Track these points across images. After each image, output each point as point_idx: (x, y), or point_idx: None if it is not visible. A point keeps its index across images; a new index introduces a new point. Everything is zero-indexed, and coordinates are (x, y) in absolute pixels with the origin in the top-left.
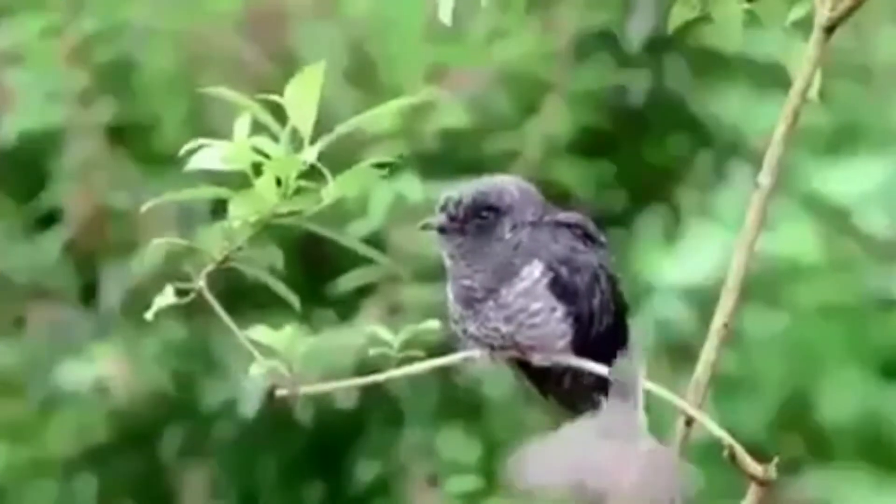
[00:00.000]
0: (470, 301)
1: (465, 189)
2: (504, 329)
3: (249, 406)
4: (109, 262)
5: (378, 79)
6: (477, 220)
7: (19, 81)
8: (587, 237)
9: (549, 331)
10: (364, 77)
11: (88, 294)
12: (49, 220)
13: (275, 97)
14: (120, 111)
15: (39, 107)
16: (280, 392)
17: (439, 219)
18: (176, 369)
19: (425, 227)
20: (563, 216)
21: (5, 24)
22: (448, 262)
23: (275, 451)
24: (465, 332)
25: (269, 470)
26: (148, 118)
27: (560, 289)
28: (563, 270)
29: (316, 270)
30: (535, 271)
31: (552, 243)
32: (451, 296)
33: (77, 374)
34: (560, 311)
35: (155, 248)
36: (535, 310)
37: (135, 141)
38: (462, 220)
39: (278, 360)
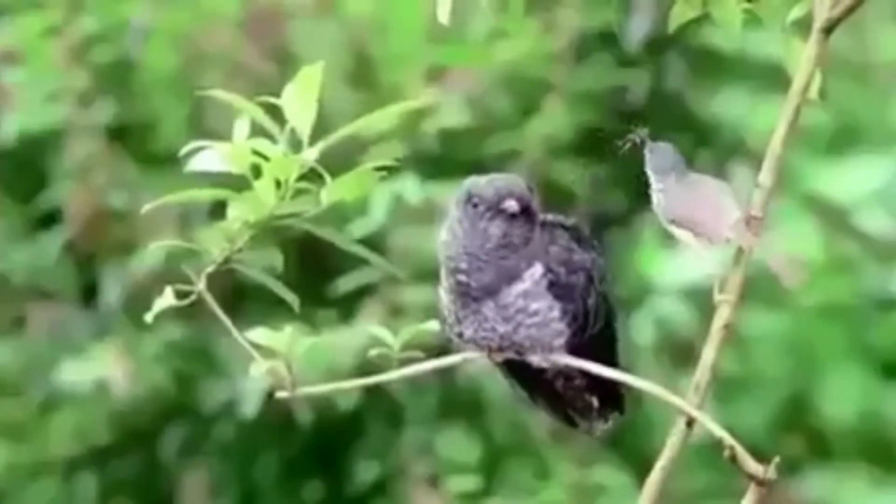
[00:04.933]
0: (466, 299)
1: (517, 178)
2: (502, 329)
3: (249, 406)
4: (109, 262)
5: (378, 79)
6: (532, 210)
7: (19, 81)
8: (581, 240)
9: (547, 330)
10: (364, 77)
11: (88, 294)
12: (49, 220)
13: (273, 99)
14: (120, 111)
15: (39, 107)
16: (280, 394)
17: (513, 204)
18: (176, 369)
19: (506, 210)
20: (560, 218)
21: (5, 24)
22: (457, 252)
23: (275, 451)
24: (460, 335)
25: (269, 470)
26: (148, 118)
27: (558, 289)
28: (562, 271)
29: (317, 270)
30: (535, 274)
31: (551, 245)
32: (445, 297)
33: (77, 374)
34: (557, 310)
35: (155, 250)
36: (534, 310)
37: (135, 141)
38: (529, 208)
39: (278, 361)
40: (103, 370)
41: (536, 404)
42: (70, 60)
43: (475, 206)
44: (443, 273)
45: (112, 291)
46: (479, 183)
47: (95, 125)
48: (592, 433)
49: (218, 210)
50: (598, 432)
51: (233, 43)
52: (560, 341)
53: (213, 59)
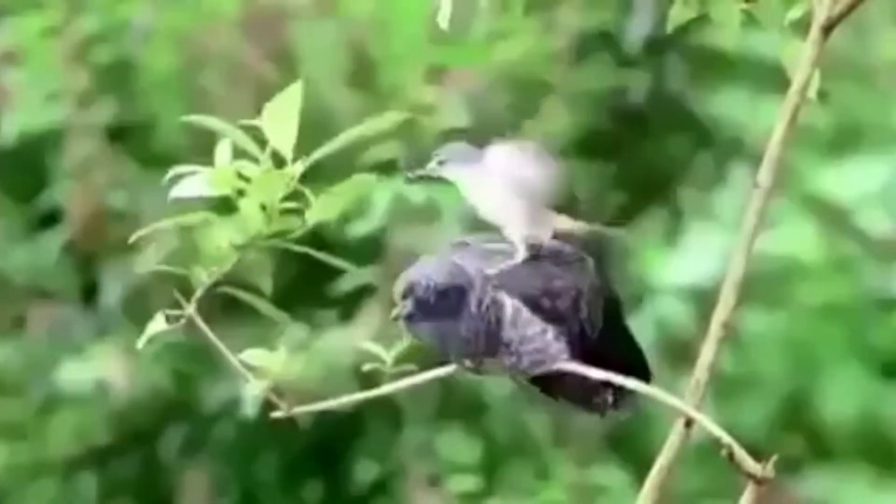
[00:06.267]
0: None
1: (425, 271)
2: (507, 362)
3: (250, 406)
4: (109, 262)
5: (378, 79)
6: (444, 301)
7: (19, 81)
8: (563, 263)
9: (549, 353)
10: (364, 77)
11: (88, 294)
12: (49, 220)
13: (253, 122)
14: (120, 111)
15: (39, 107)
16: (276, 414)
17: (406, 307)
18: (176, 369)
19: (396, 319)
20: (543, 249)
21: (5, 24)
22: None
23: (275, 451)
24: (478, 368)
25: (269, 470)
26: (148, 118)
27: (544, 315)
28: (545, 301)
29: (317, 270)
30: (508, 308)
31: (530, 279)
32: None
33: (77, 374)
34: (551, 332)
35: (155, 251)
36: (530, 335)
37: (135, 141)
38: (431, 303)
39: (272, 381)
40: (103, 370)
41: (557, 402)
42: (70, 60)
43: None
44: None
45: (112, 291)
46: None
47: (95, 125)
48: (618, 416)
49: (220, 207)
50: (623, 417)
51: (233, 43)
52: (565, 356)
53: (213, 60)
